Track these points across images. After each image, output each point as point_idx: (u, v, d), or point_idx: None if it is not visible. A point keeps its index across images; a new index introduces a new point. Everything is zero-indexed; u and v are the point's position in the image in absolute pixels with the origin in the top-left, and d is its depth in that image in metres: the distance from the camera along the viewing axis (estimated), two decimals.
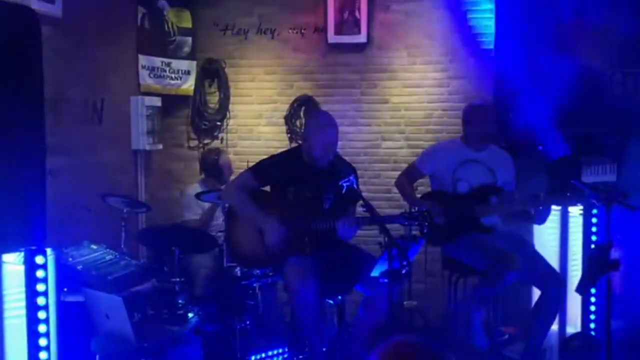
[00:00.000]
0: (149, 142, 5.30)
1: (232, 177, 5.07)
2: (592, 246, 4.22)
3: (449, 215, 3.90)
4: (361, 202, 3.23)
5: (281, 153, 3.92)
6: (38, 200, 2.25)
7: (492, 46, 5.34)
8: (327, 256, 3.54)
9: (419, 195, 4.29)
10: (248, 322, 4.20)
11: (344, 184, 3.28)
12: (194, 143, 5.77)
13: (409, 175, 4.29)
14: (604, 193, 3.59)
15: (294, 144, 5.63)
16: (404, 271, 2.81)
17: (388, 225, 3.03)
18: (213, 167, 4.96)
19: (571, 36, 5.04)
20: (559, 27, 5.02)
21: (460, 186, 4.06)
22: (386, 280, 2.94)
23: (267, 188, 3.83)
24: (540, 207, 3.83)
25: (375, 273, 2.99)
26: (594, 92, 4.99)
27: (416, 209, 3.41)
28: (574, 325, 4.43)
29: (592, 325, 4.33)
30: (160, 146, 5.50)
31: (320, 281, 3.43)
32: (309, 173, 3.64)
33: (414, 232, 3.60)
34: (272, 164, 3.72)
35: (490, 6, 5.33)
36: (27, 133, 2.19)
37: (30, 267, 2.86)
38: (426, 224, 3.26)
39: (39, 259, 2.88)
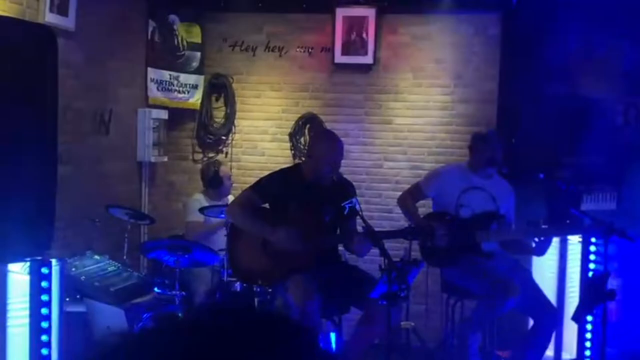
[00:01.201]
0: (154, 154, 5.36)
1: (232, 190, 5.15)
2: (590, 274, 4.25)
3: (450, 237, 3.94)
4: (361, 222, 3.27)
5: (281, 170, 3.96)
6: (48, 212, 2.30)
7: (497, 72, 5.40)
8: (329, 275, 3.58)
9: (421, 216, 4.33)
10: None
11: (347, 206, 3.33)
12: (198, 156, 5.82)
13: (412, 195, 4.32)
14: (603, 224, 3.62)
15: (297, 161, 5.69)
16: (402, 294, 2.84)
17: (388, 247, 3.07)
18: (213, 179, 5.01)
19: (575, 65, 5.11)
20: (563, 56, 5.08)
21: (463, 211, 4.10)
22: (384, 303, 2.97)
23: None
24: (541, 238, 3.86)
25: (374, 295, 3.03)
26: (595, 121, 5.05)
27: (427, 224, 3.44)
28: (569, 352, 4.45)
29: (588, 353, 4.34)
30: (165, 158, 5.56)
31: (322, 299, 3.46)
32: (310, 190, 3.68)
33: (414, 257, 3.64)
34: (272, 182, 3.76)
35: (496, 32, 5.40)
36: (41, 146, 2.24)
37: (36, 277, 2.90)
38: (429, 239, 3.30)
39: (44, 270, 2.92)
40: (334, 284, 3.61)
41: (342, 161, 3.84)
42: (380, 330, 3.55)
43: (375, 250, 3.25)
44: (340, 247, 3.91)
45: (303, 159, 5.66)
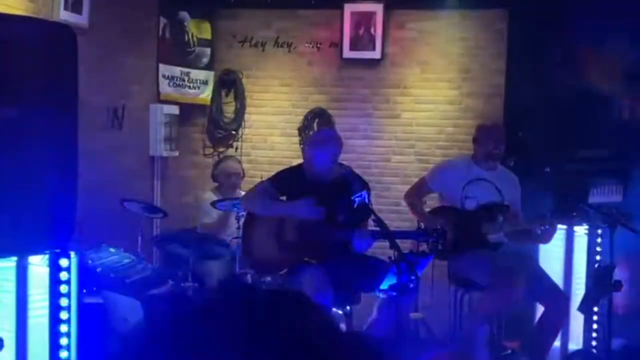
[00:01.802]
0: (165, 148, 5.44)
1: (242, 184, 5.22)
2: (596, 266, 4.30)
3: (458, 231, 4.00)
4: (373, 217, 3.34)
5: (297, 165, 4.05)
6: (69, 205, 2.38)
7: (504, 66, 5.46)
8: (340, 266, 3.65)
9: (427, 209, 4.39)
10: None
11: (356, 199, 3.40)
12: (209, 151, 5.91)
13: (418, 190, 4.38)
14: (608, 215, 3.68)
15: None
16: (411, 285, 2.92)
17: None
18: (220, 174, 5.09)
19: (581, 59, 5.15)
20: (570, 50, 5.12)
21: (468, 203, 4.16)
22: (394, 294, 3.05)
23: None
24: (547, 227, 3.92)
25: (384, 286, 3.10)
26: (602, 115, 5.09)
27: (438, 226, 3.50)
28: (576, 342, 4.49)
29: (594, 343, 4.40)
30: (177, 153, 5.64)
31: (334, 291, 3.54)
32: (321, 186, 3.76)
33: (422, 249, 3.71)
34: (289, 175, 3.85)
35: (503, 27, 5.45)
36: (61, 141, 2.32)
37: (55, 269, 2.99)
38: (441, 241, 3.37)
39: (63, 262, 3.01)
40: (345, 274, 3.68)
41: (351, 155, 3.92)
42: (394, 321, 3.63)
43: (384, 242, 3.31)
44: None
45: None
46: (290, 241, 3.73)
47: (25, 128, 2.17)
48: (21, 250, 2.48)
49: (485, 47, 5.50)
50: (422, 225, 4.25)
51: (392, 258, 2.98)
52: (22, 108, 2.15)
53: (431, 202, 4.71)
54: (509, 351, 4.55)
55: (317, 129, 3.95)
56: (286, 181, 3.80)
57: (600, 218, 3.80)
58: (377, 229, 3.43)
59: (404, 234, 3.58)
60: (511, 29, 5.45)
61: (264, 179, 3.92)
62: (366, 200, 3.41)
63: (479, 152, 4.28)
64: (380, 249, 4.44)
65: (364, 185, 3.61)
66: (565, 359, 4.41)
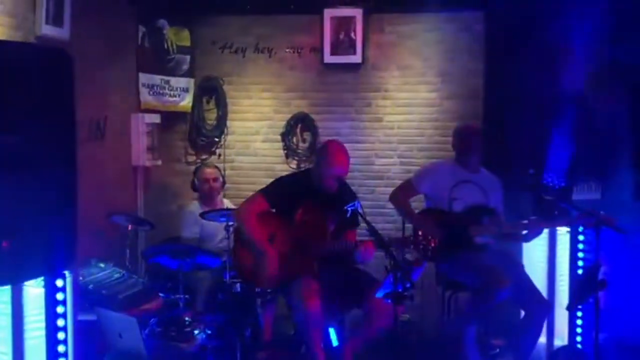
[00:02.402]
0: (148, 158, 5.41)
1: (222, 190, 5.22)
2: (580, 266, 4.40)
3: (446, 233, 4.06)
4: (365, 226, 3.38)
5: (290, 175, 4.08)
6: (69, 231, 2.38)
7: (482, 68, 5.54)
8: (331, 277, 3.69)
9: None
10: (248, 337, 4.34)
11: (349, 209, 3.44)
12: (191, 159, 5.89)
13: (405, 192, 4.42)
14: (593, 216, 3.77)
15: (290, 160, 5.80)
16: (407, 294, 2.97)
17: None
18: (198, 181, 5.08)
19: (556, 60, 5.24)
20: (546, 51, 5.21)
21: (455, 205, 4.22)
22: (389, 301, 3.10)
23: None
24: (532, 230, 4.01)
25: (379, 294, 3.14)
26: (579, 114, 5.20)
27: (420, 233, 3.56)
28: (561, 338, 4.61)
29: (579, 339, 4.51)
30: (160, 162, 5.61)
31: (325, 302, 3.57)
32: (317, 197, 3.79)
33: (416, 257, 3.77)
34: (282, 187, 3.87)
35: (481, 29, 5.53)
36: (59, 165, 2.31)
37: (50, 290, 2.98)
38: (430, 248, 3.43)
39: (59, 282, 3.00)
40: (336, 285, 3.72)
41: None
42: (382, 326, 3.68)
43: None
44: None
45: (296, 158, 5.79)
46: (280, 253, 3.75)
47: (24, 154, 2.16)
48: (21, 278, 2.46)
49: (463, 50, 5.57)
50: (411, 225, 4.32)
51: (388, 267, 3.02)
52: (21, 134, 2.14)
53: (414, 203, 4.76)
54: (497, 350, 4.64)
55: (329, 142, 3.92)
56: (284, 191, 3.81)
57: (585, 219, 3.88)
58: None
59: (395, 242, 3.62)
60: (488, 31, 5.53)
61: (255, 192, 3.91)
62: (359, 210, 3.45)
63: (460, 155, 4.36)
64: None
65: (355, 196, 3.65)
66: (551, 355, 4.51)
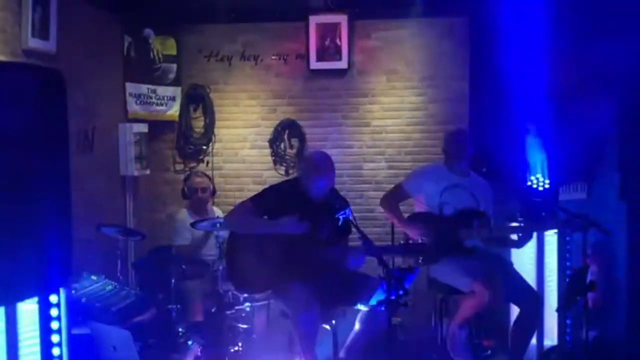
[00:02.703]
0: (137, 167, 5.41)
1: (215, 198, 5.22)
2: (568, 267, 4.46)
3: (436, 237, 4.09)
4: (357, 233, 3.41)
5: (281, 184, 4.09)
6: (65, 251, 2.37)
7: (467, 72, 5.59)
8: (326, 282, 3.71)
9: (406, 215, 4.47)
10: (240, 345, 4.36)
11: (341, 217, 3.46)
12: (180, 167, 5.89)
13: (395, 196, 4.45)
14: (580, 219, 3.83)
15: (278, 167, 5.82)
16: (401, 301, 3.00)
17: None
18: (189, 190, 5.08)
19: (540, 62, 5.30)
20: (530, 52, 5.27)
21: (446, 209, 4.26)
22: (384, 309, 3.12)
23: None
24: (522, 234, 4.06)
25: (373, 302, 3.17)
26: (564, 115, 5.26)
27: (419, 240, 3.59)
28: (551, 339, 4.66)
29: (569, 338, 4.57)
30: (148, 171, 5.61)
31: (320, 307, 3.60)
32: (307, 205, 3.81)
33: (409, 264, 3.81)
34: (271, 195, 3.88)
35: (465, 33, 5.59)
36: (55, 185, 2.31)
37: (45, 306, 2.96)
38: (421, 257, 3.46)
39: (53, 298, 2.98)
40: (331, 290, 3.74)
41: None
42: (375, 332, 3.71)
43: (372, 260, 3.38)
44: None
45: (284, 165, 5.81)
46: (275, 261, 3.77)
47: (17, 176, 2.15)
48: (15, 299, 2.45)
49: (449, 54, 5.63)
50: (402, 230, 4.35)
51: (381, 275, 3.05)
52: (15, 155, 2.14)
53: (403, 207, 4.80)
54: (489, 352, 4.69)
55: (311, 154, 3.96)
56: (274, 199, 3.83)
57: (572, 222, 3.94)
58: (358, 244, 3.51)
59: (387, 250, 3.65)
60: (472, 35, 5.58)
61: (245, 199, 3.93)
62: (350, 217, 3.48)
63: (449, 160, 4.40)
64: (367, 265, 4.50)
65: (346, 203, 3.67)
66: (542, 356, 4.56)
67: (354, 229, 3.67)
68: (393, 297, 3.03)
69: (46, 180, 2.28)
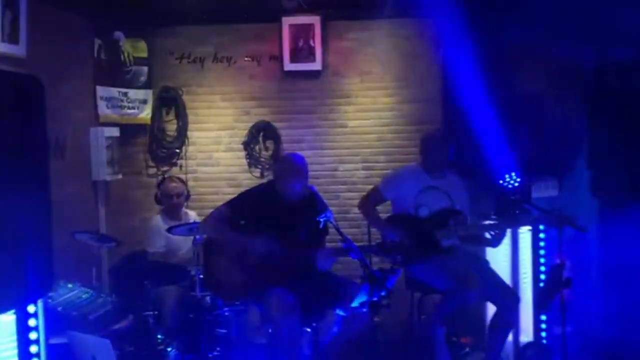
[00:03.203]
0: (108, 172, 5.32)
1: (187, 202, 5.16)
2: (542, 263, 4.53)
3: (413, 239, 4.12)
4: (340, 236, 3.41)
5: (256, 187, 4.07)
6: (45, 261, 2.33)
7: (439, 72, 5.63)
8: (305, 286, 3.70)
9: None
10: (218, 349, 4.32)
11: (322, 220, 3.46)
12: (152, 171, 5.82)
13: (372, 199, 4.47)
14: (555, 216, 3.89)
15: (252, 169, 5.79)
16: (384, 302, 3.00)
17: None
18: (163, 196, 5.03)
19: (511, 61, 5.37)
20: (499, 53, 5.33)
21: (421, 211, 4.29)
22: (365, 310, 3.13)
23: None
24: (497, 232, 4.10)
25: (354, 304, 3.18)
26: (535, 113, 5.33)
27: (388, 240, 3.60)
28: (526, 335, 4.73)
29: (544, 334, 4.64)
30: (120, 176, 5.53)
31: (300, 310, 3.59)
32: (284, 208, 3.80)
33: (391, 265, 3.82)
34: (247, 199, 3.86)
35: (437, 33, 5.62)
36: (34, 195, 2.26)
37: (22, 317, 2.91)
38: (398, 256, 3.48)
39: (31, 308, 2.93)
40: (310, 294, 3.74)
41: None
42: (355, 333, 3.72)
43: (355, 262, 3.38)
44: None
45: (259, 167, 5.78)
46: (253, 265, 3.75)
47: None
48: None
49: (421, 55, 5.66)
50: (379, 232, 4.37)
51: (363, 277, 3.05)
52: None
53: (379, 207, 4.82)
54: (467, 349, 4.73)
55: (284, 156, 3.96)
56: (250, 203, 3.81)
57: (547, 219, 4.00)
58: (339, 245, 3.51)
59: (369, 250, 3.66)
60: (445, 35, 5.61)
61: (221, 205, 3.89)
62: (331, 220, 3.48)
63: (426, 162, 4.42)
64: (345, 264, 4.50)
65: (326, 207, 3.67)
66: (518, 352, 4.63)
67: (332, 231, 3.69)
68: (375, 299, 3.04)
69: (26, 190, 2.23)
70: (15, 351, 2.94)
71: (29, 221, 2.26)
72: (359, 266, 3.14)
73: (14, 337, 2.93)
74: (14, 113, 2.12)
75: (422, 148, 4.45)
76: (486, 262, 4.46)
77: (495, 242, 4.26)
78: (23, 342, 2.93)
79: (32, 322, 2.94)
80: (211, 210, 3.96)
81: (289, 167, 3.85)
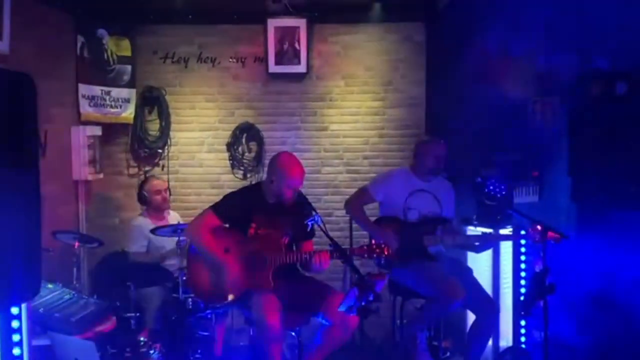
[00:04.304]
0: (90, 171, 5.26)
1: (169, 202, 5.13)
2: (523, 269, 4.58)
3: (401, 242, 4.13)
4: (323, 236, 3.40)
5: (242, 190, 4.03)
6: (34, 261, 2.29)
7: (424, 77, 5.67)
8: (289, 289, 3.69)
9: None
10: (200, 352, 4.30)
11: (310, 223, 3.46)
12: (134, 171, 5.76)
13: (361, 200, 4.46)
14: (539, 223, 3.93)
15: (235, 170, 5.76)
16: (373, 307, 3.01)
17: None
18: (147, 194, 4.99)
19: (494, 68, 5.42)
20: (482, 60, 5.37)
21: (410, 214, 4.31)
22: (355, 314, 3.13)
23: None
24: (483, 242, 4.14)
25: (342, 308, 3.17)
26: (517, 120, 5.39)
27: (373, 241, 3.60)
28: (505, 340, 4.77)
29: (523, 339, 4.68)
30: (101, 175, 5.46)
31: (284, 313, 3.58)
32: (270, 210, 3.79)
33: (379, 270, 3.83)
34: (232, 201, 3.82)
35: (422, 39, 5.66)
36: (24, 195, 2.23)
37: (5, 318, 2.86)
38: (384, 256, 3.49)
39: (14, 309, 2.88)
40: (293, 297, 3.73)
41: None
42: (342, 338, 3.72)
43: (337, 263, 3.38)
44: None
45: (242, 169, 5.75)
46: (237, 267, 3.73)
47: None
48: None
49: (406, 59, 5.70)
50: (368, 233, 4.37)
51: (352, 281, 3.05)
52: None
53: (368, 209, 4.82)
54: (448, 354, 4.76)
55: (282, 157, 3.90)
56: (234, 206, 3.78)
57: (530, 224, 4.05)
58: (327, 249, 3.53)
59: (352, 251, 3.66)
60: (429, 41, 5.67)
61: (207, 209, 3.84)
62: (319, 223, 3.47)
63: (419, 166, 4.42)
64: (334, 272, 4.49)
65: (313, 209, 3.66)
66: (498, 356, 4.67)
67: (318, 234, 3.69)
68: (364, 304, 3.04)
69: (16, 190, 2.19)
70: None
71: (18, 221, 2.22)
72: (339, 270, 3.14)
73: None
74: (7, 110, 2.07)
75: (417, 153, 4.44)
76: (470, 271, 4.48)
77: (481, 249, 4.30)
78: (5, 344, 2.88)
79: (15, 324, 2.88)
80: (196, 216, 3.92)
81: (292, 166, 3.81)
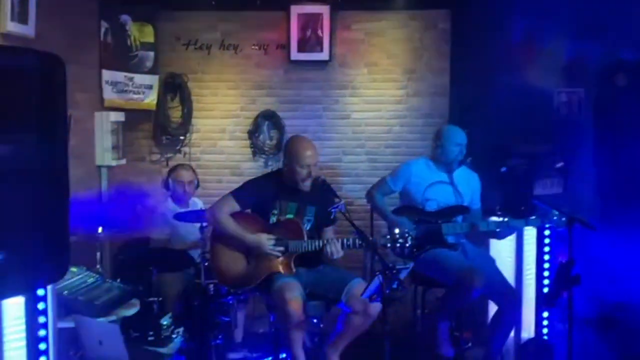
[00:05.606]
0: (113, 157, 5.28)
1: (195, 191, 5.14)
2: (546, 260, 4.53)
3: (420, 231, 4.10)
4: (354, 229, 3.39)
5: (262, 176, 4.04)
6: (64, 240, 2.29)
7: (448, 65, 5.61)
8: (311, 276, 3.68)
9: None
10: (220, 337, 4.31)
11: (333, 210, 3.44)
12: (156, 157, 5.77)
13: (381, 190, 4.44)
14: (565, 214, 3.88)
15: (257, 158, 5.75)
16: (396, 295, 2.99)
17: None
18: (173, 182, 4.99)
19: (520, 57, 5.36)
20: (509, 49, 5.32)
21: (429, 205, 4.28)
22: (379, 302, 3.12)
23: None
24: (503, 229, 4.10)
25: (366, 295, 3.16)
26: (542, 111, 5.33)
27: (396, 230, 3.58)
28: (528, 331, 4.73)
29: (545, 331, 4.64)
30: (124, 161, 5.48)
31: (305, 300, 3.58)
32: (291, 196, 3.78)
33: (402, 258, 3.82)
34: (253, 188, 3.83)
35: (446, 27, 5.60)
36: (54, 176, 2.23)
37: (31, 300, 2.88)
38: (407, 245, 3.47)
39: (40, 291, 2.90)
40: (315, 284, 3.73)
41: None
42: (365, 326, 3.71)
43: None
44: None
45: (263, 157, 5.75)
46: (259, 254, 3.73)
47: (16, 164, 2.07)
48: (10, 293, 2.36)
49: (430, 47, 5.64)
50: (386, 223, 4.35)
51: (376, 270, 3.03)
52: (13, 143, 2.05)
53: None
54: (469, 344, 4.73)
55: (291, 139, 3.91)
56: (255, 192, 3.79)
57: (558, 216, 4.00)
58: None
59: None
60: (454, 29, 5.60)
61: (227, 194, 3.85)
62: (343, 211, 3.46)
63: (440, 156, 4.37)
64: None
65: (335, 195, 3.65)
66: (519, 348, 4.63)
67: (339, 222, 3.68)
68: (387, 291, 3.02)
69: (46, 172, 2.20)
70: (24, 334, 2.91)
71: (48, 204, 2.22)
72: (359, 259, 3.13)
73: (22, 321, 2.90)
74: (39, 90, 2.08)
75: (439, 141, 4.39)
76: (492, 261, 4.44)
77: (502, 235, 4.26)
78: (31, 325, 2.90)
79: (40, 306, 2.90)
80: (217, 199, 3.93)
81: (302, 144, 3.82)
